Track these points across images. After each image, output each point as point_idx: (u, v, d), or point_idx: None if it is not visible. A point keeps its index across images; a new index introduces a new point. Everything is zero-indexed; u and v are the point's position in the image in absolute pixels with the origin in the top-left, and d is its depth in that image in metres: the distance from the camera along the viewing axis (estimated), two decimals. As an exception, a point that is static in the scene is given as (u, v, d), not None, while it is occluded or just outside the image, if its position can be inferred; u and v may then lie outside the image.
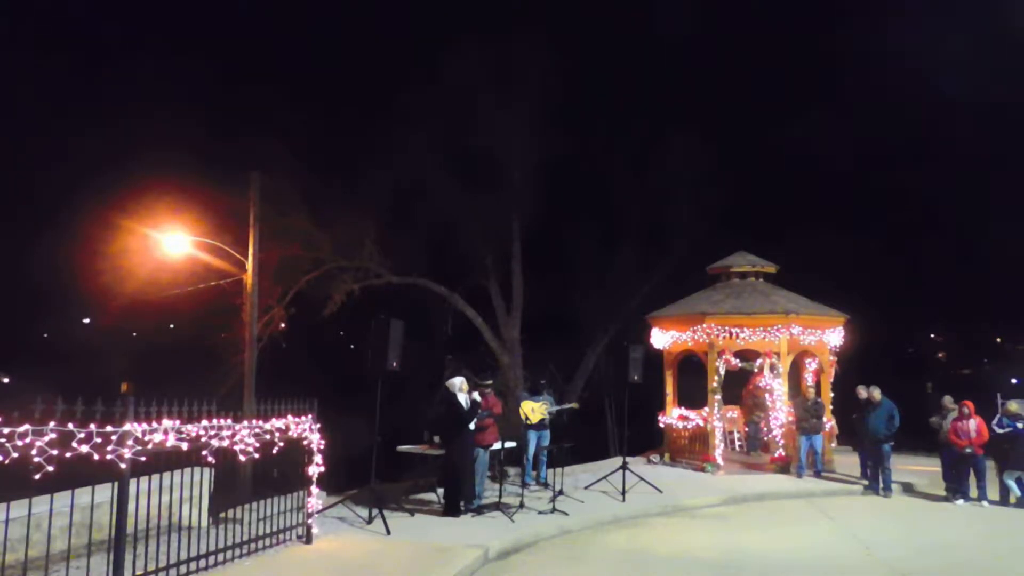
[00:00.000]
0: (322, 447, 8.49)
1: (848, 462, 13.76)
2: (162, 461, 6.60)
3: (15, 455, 5.21)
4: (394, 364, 9.44)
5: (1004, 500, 11.45)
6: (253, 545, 7.65)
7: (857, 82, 45.68)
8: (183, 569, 6.75)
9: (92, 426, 5.66)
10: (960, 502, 11.60)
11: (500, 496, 10.37)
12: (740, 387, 15.50)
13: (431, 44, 22.06)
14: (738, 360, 13.94)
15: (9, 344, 35.17)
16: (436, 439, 10.96)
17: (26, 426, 5.28)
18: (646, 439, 16.24)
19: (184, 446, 6.54)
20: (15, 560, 6.13)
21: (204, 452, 6.81)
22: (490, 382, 11.39)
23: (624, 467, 11.68)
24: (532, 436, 12.07)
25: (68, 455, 5.49)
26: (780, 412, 13.65)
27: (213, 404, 6.95)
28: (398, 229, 19.10)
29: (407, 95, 19.51)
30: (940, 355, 60.96)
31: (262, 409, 7.81)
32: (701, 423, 14.38)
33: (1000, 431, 11.41)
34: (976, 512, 11.20)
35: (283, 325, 17.75)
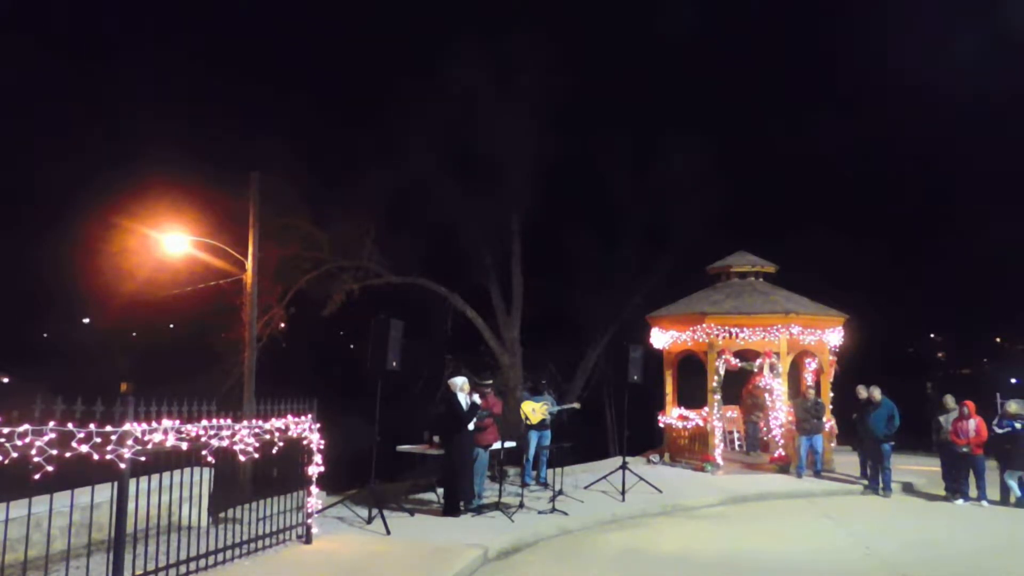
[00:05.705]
0: (322, 447, 8.48)
1: (848, 462, 13.76)
2: (162, 461, 6.59)
3: (15, 455, 5.21)
4: (394, 364, 9.44)
5: (1004, 500, 11.46)
6: (253, 545, 7.65)
7: (857, 82, 45.71)
8: (183, 569, 6.74)
9: (92, 426, 5.65)
10: (960, 502, 11.61)
11: (500, 496, 10.37)
12: (740, 387, 15.50)
13: (431, 44, 22.03)
14: (738, 360, 13.94)
15: (9, 344, 35.16)
16: (436, 439, 10.96)
17: (26, 426, 5.28)
18: (646, 439, 16.24)
19: (184, 446, 6.53)
20: (15, 560, 6.12)
21: (204, 452, 6.80)
22: (490, 382, 11.37)
23: (624, 467, 11.68)
24: (533, 436, 12.08)
25: (68, 455, 5.49)
26: (780, 412, 13.65)
27: (213, 404, 6.94)
28: (398, 229, 19.12)
29: (407, 95, 19.53)
30: (940, 355, 60.98)
31: (262, 409, 7.79)
32: (701, 423, 14.37)
33: (999, 431, 11.42)
34: (976, 512, 11.21)
35: (283, 325, 17.77)
